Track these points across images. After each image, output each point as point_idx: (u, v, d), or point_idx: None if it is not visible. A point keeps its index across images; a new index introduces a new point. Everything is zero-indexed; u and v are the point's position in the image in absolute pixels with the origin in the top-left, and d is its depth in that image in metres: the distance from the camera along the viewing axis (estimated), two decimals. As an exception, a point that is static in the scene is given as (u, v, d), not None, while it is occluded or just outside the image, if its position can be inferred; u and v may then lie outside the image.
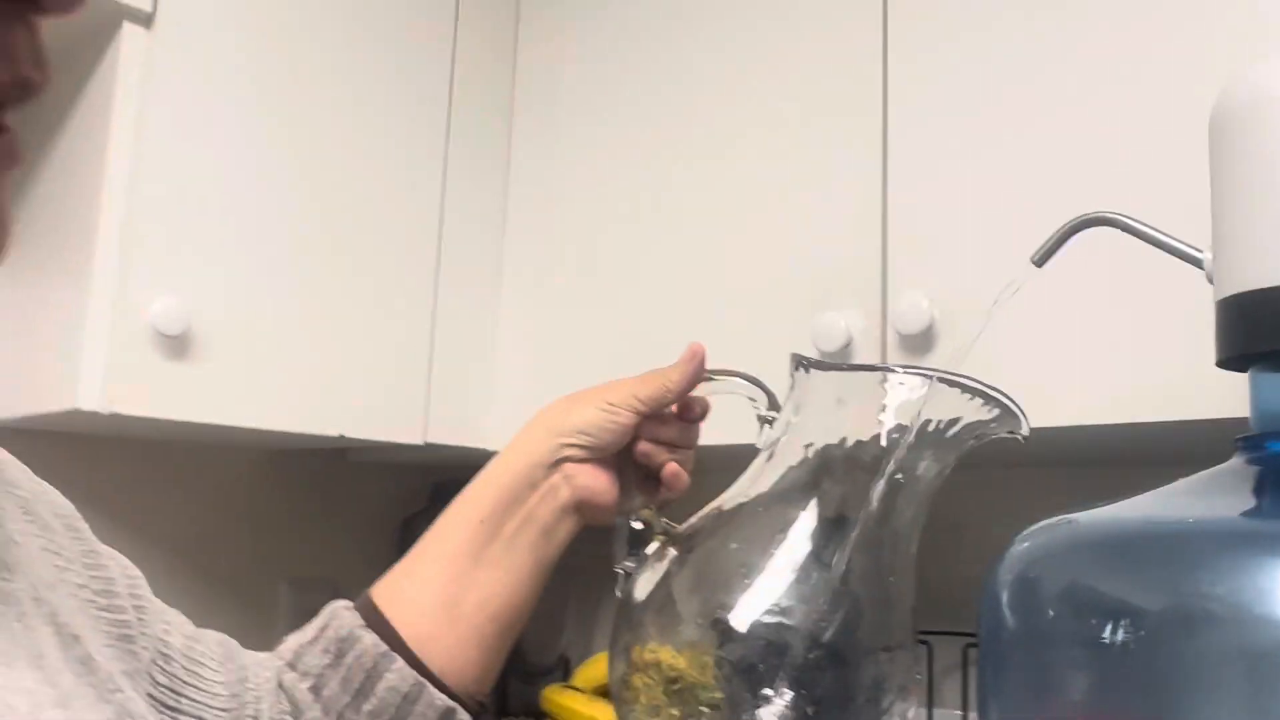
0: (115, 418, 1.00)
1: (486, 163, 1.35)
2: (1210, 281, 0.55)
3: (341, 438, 1.17)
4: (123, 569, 0.58)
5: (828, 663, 0.67)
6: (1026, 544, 0.56)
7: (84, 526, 0.56)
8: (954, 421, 0.67)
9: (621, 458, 0.73)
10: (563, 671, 1.54)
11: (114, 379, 0.99)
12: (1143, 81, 0.83)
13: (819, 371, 0.71)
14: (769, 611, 0.67)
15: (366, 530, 1.62)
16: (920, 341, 0.87)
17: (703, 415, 0.77)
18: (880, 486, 0.69)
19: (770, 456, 0.72)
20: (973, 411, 0.67)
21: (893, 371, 0.71)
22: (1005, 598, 0.54)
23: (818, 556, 0.68)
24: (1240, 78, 0.55)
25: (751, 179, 1.08)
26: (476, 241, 1.33)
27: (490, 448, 1.31)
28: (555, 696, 1.39)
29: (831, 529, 0.69)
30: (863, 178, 0.96)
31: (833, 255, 0.97)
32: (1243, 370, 0.54)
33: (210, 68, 1.09)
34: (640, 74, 1.24)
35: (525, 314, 1.33)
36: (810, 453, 0.71)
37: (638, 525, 0.72)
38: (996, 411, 0.66)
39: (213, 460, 1.42)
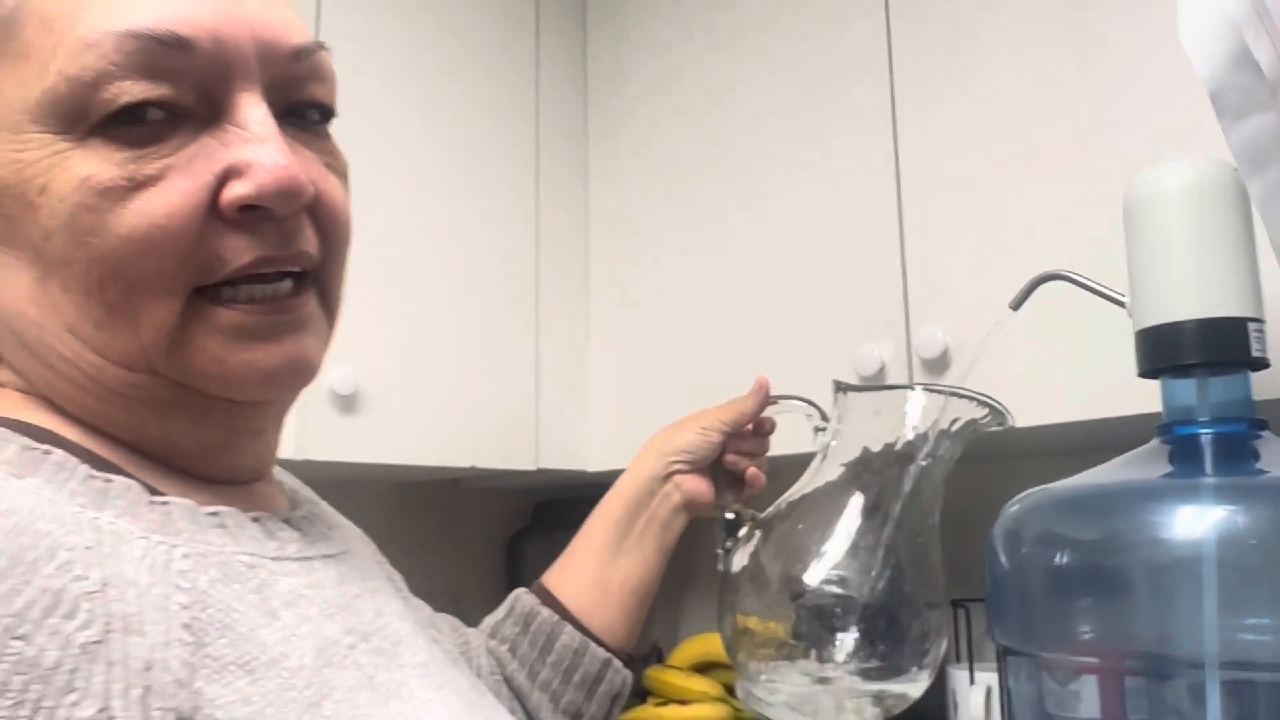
0: (305, 464, 1.23)
1: (569, 239, 1.56)
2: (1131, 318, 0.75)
3: (473, 468, 1.39)
4: (393, 570, 0.82)
5: (882, 610, 0.86)
6: (1015, 506, 0.75)
7: (371, 541, 0.81)
8: (957, 420, 0.88)
9: (715, 467, 0.93)
10: (656, 657, 1.71)
11: (305, 433, 1.22)
12: (1108, 149, 0.99)
13: (853, 392, 0.92)
14: (832, 572, 0.86)
15: (479, 548, 1.81)
16: (938, 364, 1.07)
17: (771, 430, 0.97)
18: (910, 472, 0.91)
19: (824, 458, 0.92)
20: (971, 412, 0.87)
21: (910, 389, 0.91)
22: (999, 545, 0.74)
23: (865, 529, 0.87)
24: (1137, 177, 0.74)
25: (799, 238, 1.26)
26: (567, 297, 1.54)
27: (589, 468, 1.51)
28: (656, 675, 1.59)
29: (874, 508, 0.89)
30: (885, 237, 1.15)
31: (865, 298, 1.15)
32: (1156, 379, 0.74)
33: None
34: (697, 147, 1.41)
35: (611, 356, 1.51)
36: (853, 452, 0.90)
37: (730, 516, 0.92)
38: (988, 411, 0.88)
39: (347, 495, 1.64)
